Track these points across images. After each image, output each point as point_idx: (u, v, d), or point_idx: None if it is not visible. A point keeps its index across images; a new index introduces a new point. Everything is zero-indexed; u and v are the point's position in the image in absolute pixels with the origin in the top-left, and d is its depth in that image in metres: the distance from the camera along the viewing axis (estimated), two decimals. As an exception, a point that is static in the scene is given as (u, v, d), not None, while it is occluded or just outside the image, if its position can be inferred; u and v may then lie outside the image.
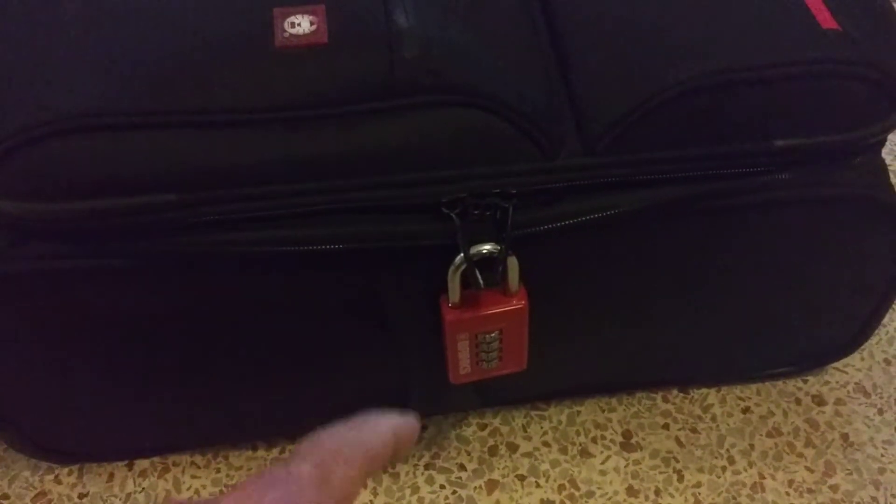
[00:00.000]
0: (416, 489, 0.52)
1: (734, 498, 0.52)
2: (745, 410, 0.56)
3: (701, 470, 0.53)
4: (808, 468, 0.53)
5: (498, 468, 0.53)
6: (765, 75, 0.39)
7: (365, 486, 0.25)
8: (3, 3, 0.40)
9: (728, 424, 0.55)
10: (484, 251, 0.40)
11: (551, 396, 0.56)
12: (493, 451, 0.54)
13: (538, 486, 0.52)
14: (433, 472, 0.53)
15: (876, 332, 0.54)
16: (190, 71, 0.37)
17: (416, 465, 0.53)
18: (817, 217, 0.44)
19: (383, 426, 0.27)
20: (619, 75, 0.41)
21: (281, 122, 0.37)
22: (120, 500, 0.52)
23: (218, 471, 0.53)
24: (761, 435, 0.54)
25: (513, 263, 0.41)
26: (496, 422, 0.55)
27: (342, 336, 0.45)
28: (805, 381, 0.57)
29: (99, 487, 0.52)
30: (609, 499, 0.52)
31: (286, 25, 0.38)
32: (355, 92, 0.38)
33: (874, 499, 0.51)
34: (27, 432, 0.49)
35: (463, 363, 0.45)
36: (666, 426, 0.55)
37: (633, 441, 0.54)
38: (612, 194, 0.41)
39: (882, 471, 0.53)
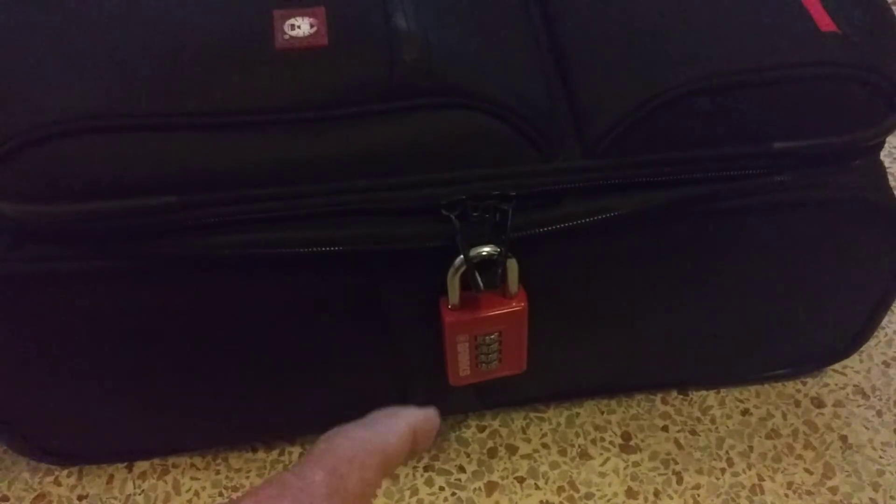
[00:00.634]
0: (415, 491, 0.52)
1: (733, 500, 0.52)
2: (745, 412, 0.56)
3: (700, 472, 0.53)
4: (807, 470, 0.53)
5: (497, 470, 0.53)
6: (763, 78, 0.39)
7: (380, 486, 0.25)
8: (4, 4, 0.40)
9: (727, 426, 0.55)
10: (483, 253, 0.40)
11: (550, 398, 0.56)
12: (492, 452, 0.54)
13: (537, 487, 0.52)
14: (433, 474, 0.53)
15: (875, 334, 0.54)
16: (190, 73, 0.37)
17: (415, 467, 0.53)
18: (816, 219, 0.44)
19: (401, 423, 0.26)
20: (617, 78, 0.41)
21: (281, 124, 0.37)
22: (119, 501, 0.52)
23: (217, 472, 0.53)
24: (760, 437, 0.54)
25: (512, 265, 0.41)
26: (495, 424, 0.55)
27: (341, 338, 0.45)
28: (804, 384, 0.57)
29: (98, 489, 0.52)
30: (608, 500, 0.52)
31: (286, 27, 0.38)
32: (355, 94, 0.38)
33: (873, 500, 0.52)
34: (27, 434, 0.49)
35: (462, 365, 0.45)
36: (665, 428, 0.55)
37: (632, 443, 0.54)
38: (612, 196, 0.41)
39: (881, 473, 0.53)
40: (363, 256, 0.40)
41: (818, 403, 0.56)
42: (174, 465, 0.53)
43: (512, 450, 0.54)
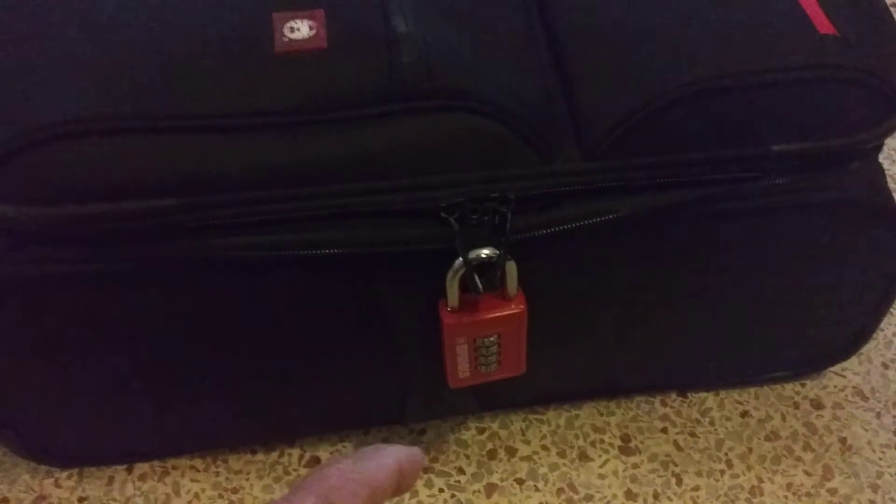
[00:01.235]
0: (414, 493, 0.52)
1: (732, 502, 0.52)
2: (744, 414, 0.56)
3: (699, 474, 0.53)
4: (806, 472, 0.53)
5: (497, 472, 0.53)
6: (762, 81, 0.40)
7: None
8: (2, 6, 0.40)
9: (726, 428, 0.55)
10: (482, 256, 0.40)
11: (550, 400, 0.56)
12: (491, 454, 0.54)
13: (537, 489, 0.52)
14: (432, 476, 0.53)
15: (874, 336, 0.54)
16: (189, 75, 0.37)
17: (414, 469, 0.53)
18: (814, 222, 0.44)
19: (389, 459, 0.27)
20: (616, 80, 0.41)
21: (280, 126, 0.37)
22: (119, 503, 0.52)
23: (217, 474, 0.53)
24: (759, 439, 0.55)
25: (511, 268, 0.41)
26: (495, 426, 0.55)
27: (340, 340, 0.45)
28: (803, 386, 0.57)
29: (98, 491, 0.52)
30: (608, 502, 0.52)
31: (285, 30, 0.39)
32: (354, 97, 0.38)
33: (872, 502, 0.52)
34: (27, 436, 0.49)
35: (462, 367, 0.45)
36: (664, 430, 0.55)
37: (631, 445, 0.54)
38: (610, 199, 0.41)
39: (880, 474, 0.53)
40: (362, 259, 0.40)
41: (817, 405, 0.56)
42: (174, 467, 0.53)
43: (511, 452, 0.54)
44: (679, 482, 0.53)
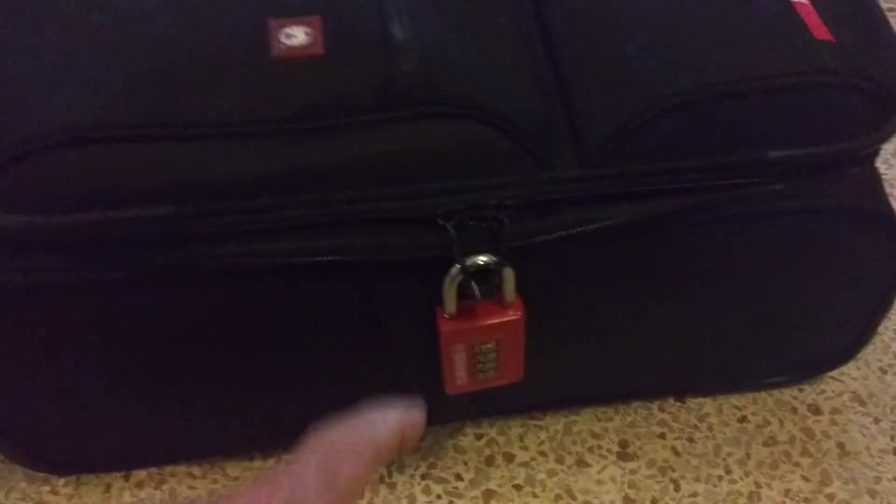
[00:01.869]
0: (412, 499, 0.52)
1: (731, 507, 0.52)
2: (742, 420, 0.56)
3: (698, 479, 0.53)
4: (804, 477, 0.53)
5: (495, 478, 0.53)
6: (759, 87, 0.40)
7: (371, 479, 0.25)
8: (1, 11, 0.40)
9: (724, 434, 0.55)
10: (480, 262, 0.40)
11: (548, 406, 0.56)
12: (489, 460, 0.54)
13: (535, 495, 0.52)
14: (430, 482, 0.53)
15: (871, 341, 0.54)
16: (186, 82, 0.37)
17: (412, 475, 0.53)
18: (812, 227, 0.45)
19: (390, 419, 0.27)
20: (614, 87, 0.41)
21: (277, 133, 0.37)
22: (116, 511, 0.51)
23: (215, 481, 0.53)
24: (758, 444, 0.54)
25: (509, 274, 0.41)
26: (493, 432, 0.55)
27: (338, 347, 0.45)
28: (801, 391, 0.57)
29: (95, 498, 0.52)
30: (606, 508, 0.52)
31: (282, 37, 0.39)
32: (351, 104, 0.38)
33: (870, 508, 0.52)
34: (24, 443, 0.49)
35: (459, 374, 0.45)
36: (662, 435, 0.55)
37: (629, 450, 0.54)
38: (608, 206, 0.41)
39: (878, 480, 0.53)
40: (359, 266, 0.40)
41: (815, 410, 0.56)
42: (171, 474, 0.53)
43: (509, 458, 0.54)
44: (677, 488, 0.53)
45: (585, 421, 0.56)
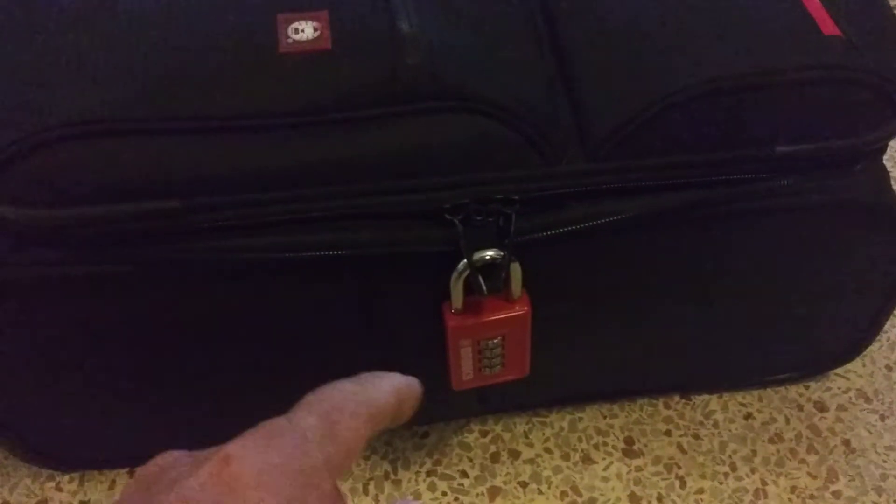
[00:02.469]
0: (418, 496, 0.52)
1: (737, 504, 0.52)
2: (747, 417, 0.56)
3: (703, 476, 0.53)
4: (810, 474, 0.53)
5: (500, 475, 0.53)
6: (766, 82, 0.39)
7: (366, 440, 0.25)
8: (5, 8, 0.40)
9: (730, 431, 0.55)
10: (487, 257, 0.40)
11: (553, 403, 0.56)
12: (495, 457, 0.54)
13: (540, 492, 0.52)
14: (435, 479, 0.53)
15: (877, 338, 0.54)
16: (193, 77, 0.37)
17: (418, 472, 0.53)
18: (818, 223, 0.44)
19: (386, 384, 0.27)
20: (620, 82, 0.41)
21: (284, 128, 0.37)
22: (121, 507, 0.51)
23: (219, 478, 0.53)
24: (763, 441, 0.54)
25: (515, 269, 0.41)
26: (498, 428, 0.55)
27: (344, 342, 0.45)
28: (807, 388, 0.57)
29: (100, 495, 0.52)
30: (611, 505, 0.52)
31: (290, 31, 0.39)
32: (358, 98, 0.38)
33: (877, 505, 0.52)
34: (28, 439, 0.49)
35: (465, 370, 0.45)
36: (668, 432, 0.55)
37: (635, 447, 0.54)
38: (615, 200, 0.41)
39: (884, 477, 0.53)
40: (366, 261, 0.40)
41: (821, 407, 0.56)
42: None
43: (514, 454, 0.54)
44: (683, 485, 0.52)
45: (591, 418, 0.55)
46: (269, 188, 0.38)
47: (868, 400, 0.56)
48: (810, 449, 0.54)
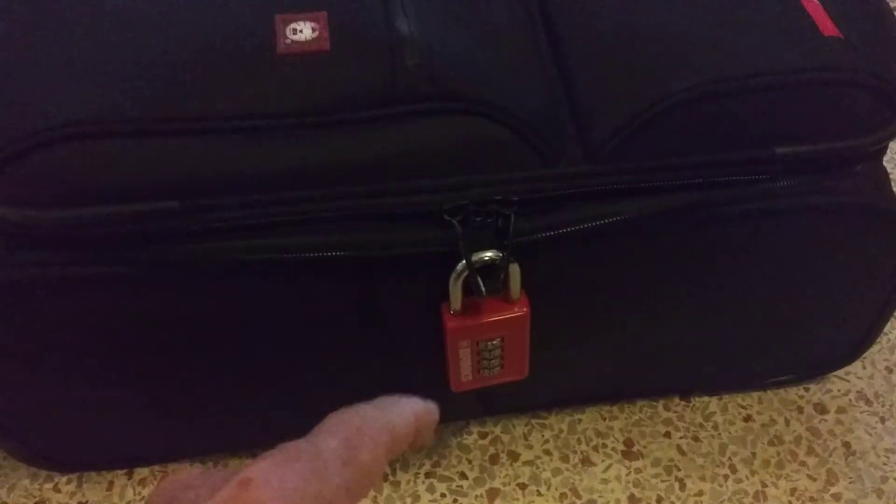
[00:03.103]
0: (416, 497, 0.52)
1: (736, 507, 0.52)
2: (747, 419, 0.56)
3: (703, 478, 0.53)
4: (810, 476, 0.53)
5: (499, 476, 0.53)
6: (766, 83, 0.39)
7: (386, 467, 0.25)
8: (5, 7, 0.40)
9: (730, 433, 0.55)
10: (486, 258, 0.40)
11: (552, 404, 0.56)
12: (494, 459, 0.54)
13: (539, 494, 0.52)
14: (434, 481, 0.52)
15: (878, 340, 0.54)
16: (192, 78, 0.37)
17: (416, 474, 0.53)
18: (818, 225, 0.44)
19: (407, 409, 0.27)
20: (620, 83, 0.41)
21: (283, 129, 0.37)
22: (119, 508, 0.51)
23: (218, 479, 0.53)
24: (763, 443, 0.54)
25: (514, 270, 0.41)
26: (497, 430, 0.55)
27: (342, 343, 0.45)
28: (807, 390, 0.57)
29: (98, 496, 0.52)
30: (611, 507, 0.51)
31: (288, 32, 0.38)
32: (357, 99, 0.38)
33: (877, 507, 0.51)
34: (26, 440, 0.49)
35: (464, 371, 0.45)
36: (668, 434, 0.55)
37: (634, 449, 0.54)
38: (614, 202, 0.41)
39: (885, 479, 0.53)
40: (365, 262, 0.40)
41: (821, 410, 0.56)
42: (174, 472, 0.53)
43: (514, 456, 0.54)
44: (682, 487, 0.52)
45: (590, 420, 0.55)
46: (267, 189, 0.38)
47: (868, 402, 0.56)
48: (810, 451, 0.54)
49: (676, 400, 0.56)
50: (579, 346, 0.49)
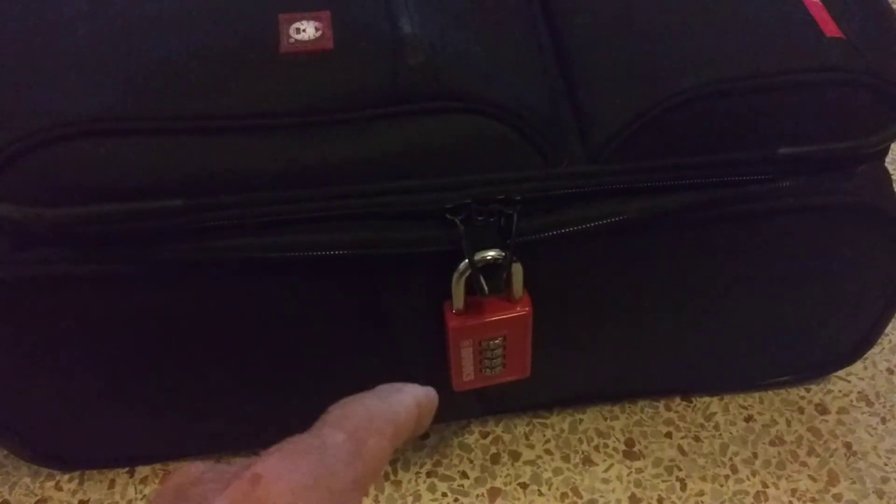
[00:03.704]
0: (418, 497, 0.52)
1: (737, 507, 0.52)
2: (748, 419, 0.56)
3: (704, 478, 0.53)
4: (811, 477, 0.53)
5: (500, 476, 0.53)
6: (768, 83, 0.39)
7: (391, 457, 0.25)
8: (8, 6, 0.40)
9: (731, 433, 0.55)
10: (488, 257, 0.40)
11: (554, 404, 0.56)
12: (495, 458, 0.54)
13: (540, 494, 0.52)
14: (435, 480, 0.53)
15: (879, 341, 0.54)
16: (196, 76, 0.37)
17: (418, 473, 0.53)
18: (820, 225, 0.44)
19: (408, 397, 0.27)
20: (622, 83, 0.41)
21: (286, 128, 0.37)
22: (121, 506, 0.51)
23: (219, 478, 0.53)
24: (764, 443, 0.54)
25: (517, 270, 0.41)
26: (498, 430, 0.55)
27: (344, 342, 0.45)
28: (808, 390, 0.57)
29: (100, 494, 0.52)
30: (612, 507, 0.51)
31: (291, 31, 0.38)
32: (360, 98, 0.38)
33: (878, 508, 0.51)
34: (28, 438, 0.49)
35: (466, 370, 0.45)
36: (669, 434, 0.55)
37: (635, 449, 0.54)
38: (616, 202, 0.41)
39: (885, 480, 0.53)
40: (367, 261, 0.40)
41: (822, 410, 0.56)
42: (179, 467, 0.53)
43: (515, 456, 0.54)
44: (683, 487, 0.52)
45: (591, 419, 0.55)
46: (270, 188, 0.38)
47: (869, 403, 0.56)
48: (811, 451, 0.54)
49: (678, 400, 0.56)
50: (581, 346, 0.49)
